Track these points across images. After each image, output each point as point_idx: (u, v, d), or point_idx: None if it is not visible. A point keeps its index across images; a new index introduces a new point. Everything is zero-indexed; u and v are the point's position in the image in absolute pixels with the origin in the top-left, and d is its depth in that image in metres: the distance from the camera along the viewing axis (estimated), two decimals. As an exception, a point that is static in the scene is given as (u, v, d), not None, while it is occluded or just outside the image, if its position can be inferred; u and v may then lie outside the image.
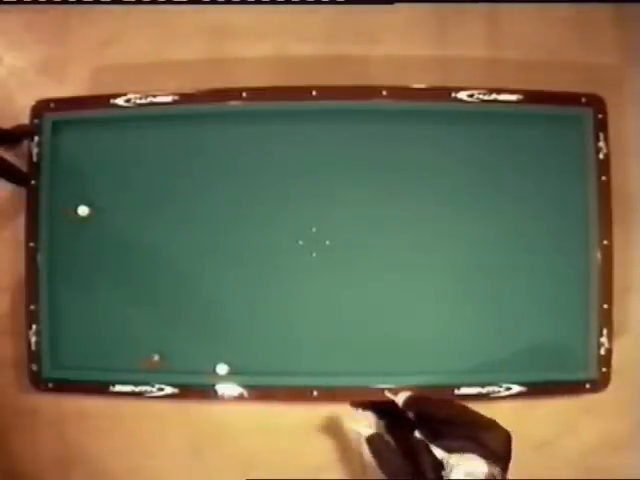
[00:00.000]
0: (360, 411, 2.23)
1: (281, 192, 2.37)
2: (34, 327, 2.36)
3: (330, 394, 2.31)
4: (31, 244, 2.37)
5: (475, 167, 2.37)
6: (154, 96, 2.37)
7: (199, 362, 2.34)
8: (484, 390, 2.30)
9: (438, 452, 1.84)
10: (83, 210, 2.35)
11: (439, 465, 1.80)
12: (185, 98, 2.37)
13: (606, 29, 2.71)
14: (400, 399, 2.13)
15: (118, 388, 2.35)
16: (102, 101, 2.38)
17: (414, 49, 2.69)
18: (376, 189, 2.36)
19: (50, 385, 2.38)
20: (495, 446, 1.77)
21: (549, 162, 2.37)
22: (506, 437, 1.82)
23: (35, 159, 2.38)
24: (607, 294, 2.32)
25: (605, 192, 2.34)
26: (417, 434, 1.98)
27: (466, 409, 2.00)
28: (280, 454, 2.60)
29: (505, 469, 1.77)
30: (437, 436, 1.90)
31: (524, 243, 2.35)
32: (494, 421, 1.89)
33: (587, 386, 2.33)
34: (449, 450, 1.81)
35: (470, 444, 1.77)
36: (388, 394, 2.19)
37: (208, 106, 2.37)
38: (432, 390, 2.30)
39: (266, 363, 2.33)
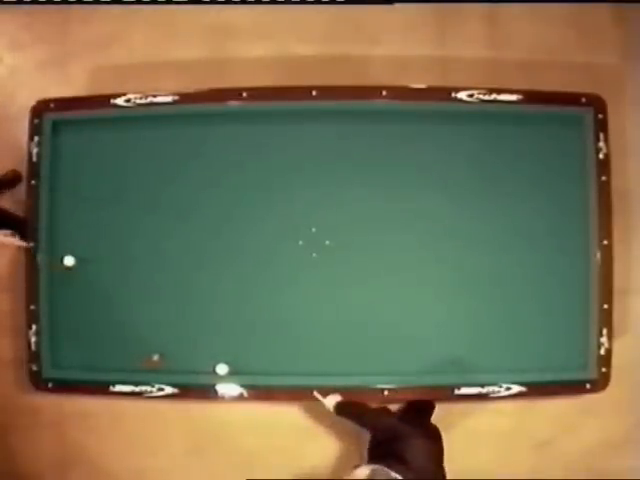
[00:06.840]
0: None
1: (281, 192, 2.37)
2: (34, 327, 2.36)
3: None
4: (31, 244, 2.37)
5: (475, 167, 2.37)
6: (154, 96, 2.37)
7: (199, 362, 2.34)
8: (484, 390, 2.29)
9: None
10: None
11: None
12: (185, 98, 2.37)
13: (606, 29, 2.71)
14: (330, 403, 2.17)
15: (118, 388, 2.34)
16: (102, 101, 2.38)
17: (414, 49, 2.70)
18: (376, 189, 2.36)
19: (50, 385, 2.38)
20: (411, 458, 1.76)
21: (549, 162, 2.37)
22: (425, 448, 1.80)
23: (35, 159, 2.38)
24: (607, 294, 2.32)
25: (605, 192, 2.34)
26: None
27: (385, 418, 2.02)
28: (280, 454, 2.60)
29: None
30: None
31: (524, 243, 2.35)
32: (416, 430, 1.87)
33: (587, 386, 2.32)
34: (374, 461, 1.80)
35: (390, 457, 1.76)
36: (316, 394, 2.22)
37: (208, 106, 2.37)
38: (432, 390, 2.30)
39: (266, 363, 2.33)
